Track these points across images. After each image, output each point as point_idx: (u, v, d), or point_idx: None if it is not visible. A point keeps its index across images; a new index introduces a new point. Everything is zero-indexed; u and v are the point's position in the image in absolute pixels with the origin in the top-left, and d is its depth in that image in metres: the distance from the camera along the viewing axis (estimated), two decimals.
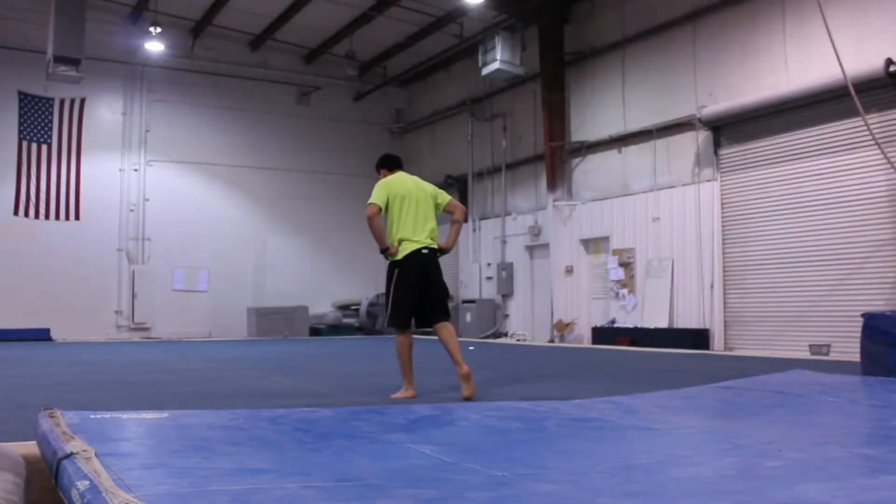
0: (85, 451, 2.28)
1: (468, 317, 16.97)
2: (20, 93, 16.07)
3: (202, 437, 2.91)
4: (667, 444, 3.09)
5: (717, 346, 11.89)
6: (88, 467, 2.11)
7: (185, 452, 2.60)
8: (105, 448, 2.41)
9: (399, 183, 5.76)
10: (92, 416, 3.10)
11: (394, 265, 5.66)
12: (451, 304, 5.95)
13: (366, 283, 19.49)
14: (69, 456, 2.24)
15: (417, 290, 5.62)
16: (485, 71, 15.10)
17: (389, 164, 6.03)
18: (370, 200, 5.63)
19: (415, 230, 5.64)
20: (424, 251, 5.64)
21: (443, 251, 5.79)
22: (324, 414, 3.57)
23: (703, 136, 12.46)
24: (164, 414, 3.34)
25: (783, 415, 3.83)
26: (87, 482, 1.98)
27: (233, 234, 18.33)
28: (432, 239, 5.73)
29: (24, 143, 16.17)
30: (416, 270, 5.60)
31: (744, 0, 11.94)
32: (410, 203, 5.67)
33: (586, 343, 14.04)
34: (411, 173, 6.00)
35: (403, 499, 2.08)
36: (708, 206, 12.26)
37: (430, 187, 5.93)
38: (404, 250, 5.60)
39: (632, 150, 13.93)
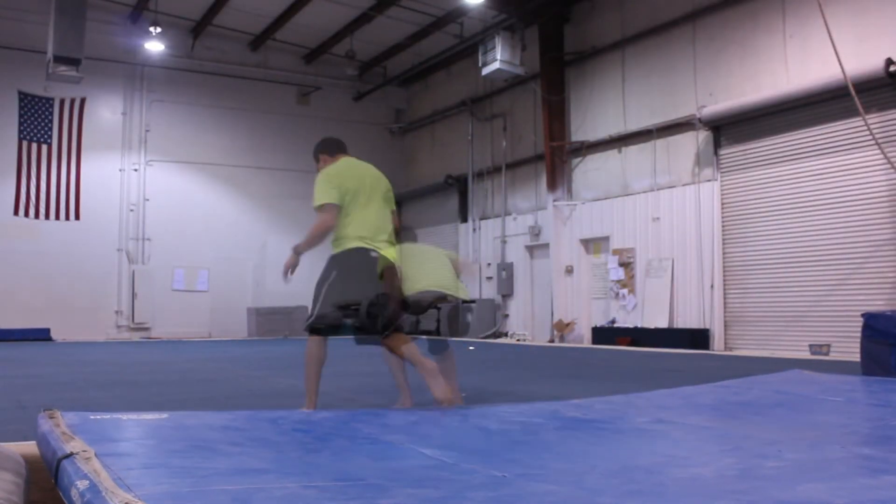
0: (85, 451, 2.28)
1: (468, 317, 16.95)
2: (20, 93, 16.07)
3: (202, 437, 2.91)
4: (667, 445, 3.09)
5: (717, 346, 11.89)
6: (88, 467, 2.11)
7: (185, 453, 2.60)
8: (105, 448, 2.41)
9: (349, 172, 4.48)
10: (92, 417, 3.10)
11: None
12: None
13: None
14: (69, 456, 2.24)
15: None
16: (485, 71, 15.11)
17: (332, 148, 4.65)
18: (322, 200, 4.32)
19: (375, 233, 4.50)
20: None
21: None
22: (324, 415, 3.57)
23: (703, 136, 12.46)
24: (164, 415, 3.34)
25: (783, 415, 3.83)
26: (87, 482, 1.98)
27: (233, 234, 18.33)
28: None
29: (24, 143, 16.17)
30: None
31: (744, 0, 11.94)
32: (365, 197, 4.44)
33: (586, 343, 14.04)
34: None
35: (404, 498, 2.08)
36: (708, 206, 12.27)
37: (385, 181, 4.66)
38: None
39: (632, 150, 13.93)
